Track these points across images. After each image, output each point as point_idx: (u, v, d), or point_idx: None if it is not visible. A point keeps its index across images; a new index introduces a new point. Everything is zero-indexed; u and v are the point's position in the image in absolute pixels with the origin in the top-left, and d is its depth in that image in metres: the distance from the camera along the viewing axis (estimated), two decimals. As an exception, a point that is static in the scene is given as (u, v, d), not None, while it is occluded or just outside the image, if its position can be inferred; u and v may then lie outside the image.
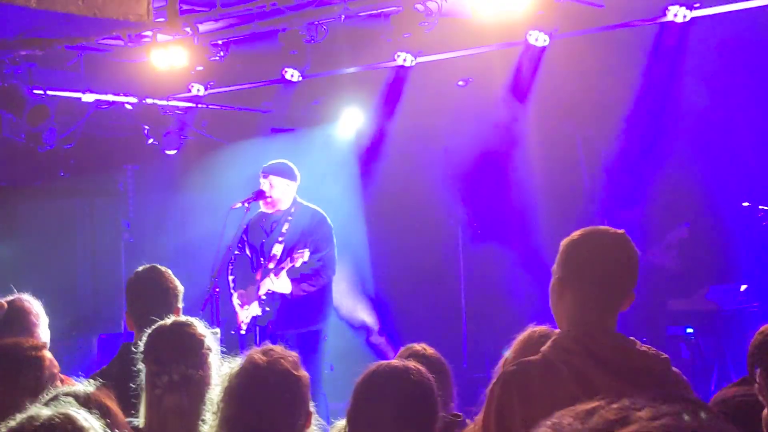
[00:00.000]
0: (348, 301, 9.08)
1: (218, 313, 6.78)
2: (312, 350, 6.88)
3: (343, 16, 6.62)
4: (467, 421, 3.32)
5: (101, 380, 3.12)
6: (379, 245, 9.45)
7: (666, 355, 2.77)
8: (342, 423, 2.94)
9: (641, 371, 2.67)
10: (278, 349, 2.85)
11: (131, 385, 3.23)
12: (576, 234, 2.84)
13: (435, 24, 6.51)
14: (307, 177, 7.47)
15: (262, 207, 7.21)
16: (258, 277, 7.08)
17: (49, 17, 5.20)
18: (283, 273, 6.90)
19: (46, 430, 2.13)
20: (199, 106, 9.20)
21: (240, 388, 2.70)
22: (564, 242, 2.84)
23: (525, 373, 2.70)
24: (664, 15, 6.36)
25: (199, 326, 3.29)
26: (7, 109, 7.72)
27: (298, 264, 6.84)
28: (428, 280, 9.33)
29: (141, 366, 3.20)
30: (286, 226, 7.11)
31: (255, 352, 2.80)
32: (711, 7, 6.32)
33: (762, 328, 2.75)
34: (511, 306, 8.24)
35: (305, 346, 6.67)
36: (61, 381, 3.17)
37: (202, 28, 7.20)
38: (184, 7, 6.86)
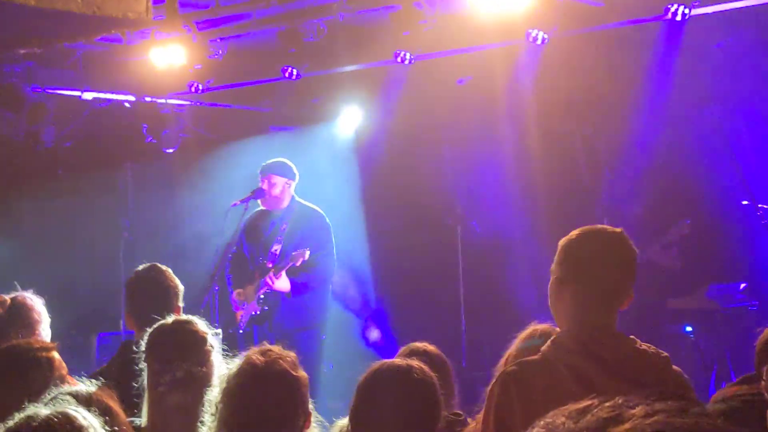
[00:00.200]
0: (346, 300, 9.07)
1: (218, 311, 6.78)
2: (310, 349, 6.87)
3: (343, 15, 6.62)
4: (468, 419, 3.32)
5: (102, 379, 3.12)
6: (378, 243, 9.44)
7: (666, 354, 2.77)
8: (344, 422, 2.94)
9: (641, 370, 2.66)
10: (276, 349, 2.84)
11: (132, 383, 3.22)
12: (574, 233, 2.83)
13: (434, 22, 6.51)
14: (306, 175, 7.47)
15: (260, 205, 7.21)
16: (257, 276, 7.07)
17: (48, 15, 5.19)
18: (283, 272, 6.90)
19: (45, 429, 2.12)
20: (198, 104, 9.19)
21: (239, 388, 2.70)
22: (562, 242, 2.84)
23: (525, 372, 2.70)
24: (664, 13, 6.35)
25: (201, 324, 3.29)
26: (5, 107, 7.72)
27: (298, 264, 6.84)
28: (427, 279, 9.32)
29: (142, 365, 3.19)
30: (285, 226, 7.11)
31: (253, 353, 2.79)
32: (711, 5, 6.31)
33: None
34: (510, 305, 8.22)
35: (304, 346, 6.65)
36: (67, 382, 3.16)
37: (201, 26, 7.19)
38: (184, 5, 6.86)
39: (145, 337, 3.26)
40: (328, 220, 7.20)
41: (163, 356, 3.14)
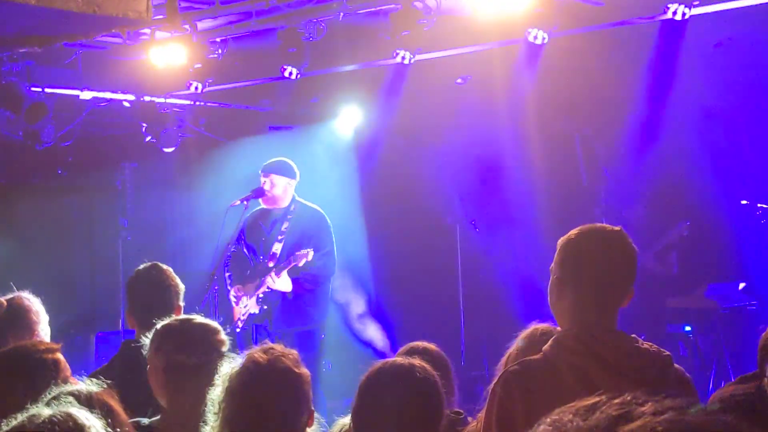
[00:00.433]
0: (346, 299, 9.07)
1: (217, 310, 6.79)
2: (310, 348, 6.88)
3: (342, 14, 6.62)
4: (468, 419, 3.32)
5: (102, 379, 3.11)
6: (378, 243, 9.44)
7: (668, 353, 2.77)
8: (344, 420, 2.94)
9: (643, 369, 2.66)
10: (278, 347, 2.84)
11: (133, 383, 3.21)
12: (573, 232, 2.83)
13: (434, 22, 6.51)
14: (306, 174, 7.47)
15: (261, 204, 7.21)
16: (257, 274, 7.07)
17: (48, 14, 5.19)
18: (284, 272, 6.90)
19: (47, 429, 2.12)
20: (198, 103, 9.19)
21: (242, 387, 2.70)
22: (561, 241, 2.84)
23: (526, 372, 2.70)
24: (664, 12, 6.35)
25: (207, 320, 3.32)
26: (5, 106, 7.71)
27: (300, 264, 6.84)
28: (426, 278, 9.32)
29: (150, 360, 3.18)
30: (285, 225, 7.12)
31: (255, 351, 2.79)
32: (710, 4, 6.32)
33: None
34: (509, 305, 8.23)
35: (303, 345, 6.66)
36: (70, 382, 3.15)
37: (200, 25, 7.19)
38: (183, 4, 6.86)
39: (148, 335, 3.25)
40: (328, 219, 7.20)
41: (183, 346, 3.15)
